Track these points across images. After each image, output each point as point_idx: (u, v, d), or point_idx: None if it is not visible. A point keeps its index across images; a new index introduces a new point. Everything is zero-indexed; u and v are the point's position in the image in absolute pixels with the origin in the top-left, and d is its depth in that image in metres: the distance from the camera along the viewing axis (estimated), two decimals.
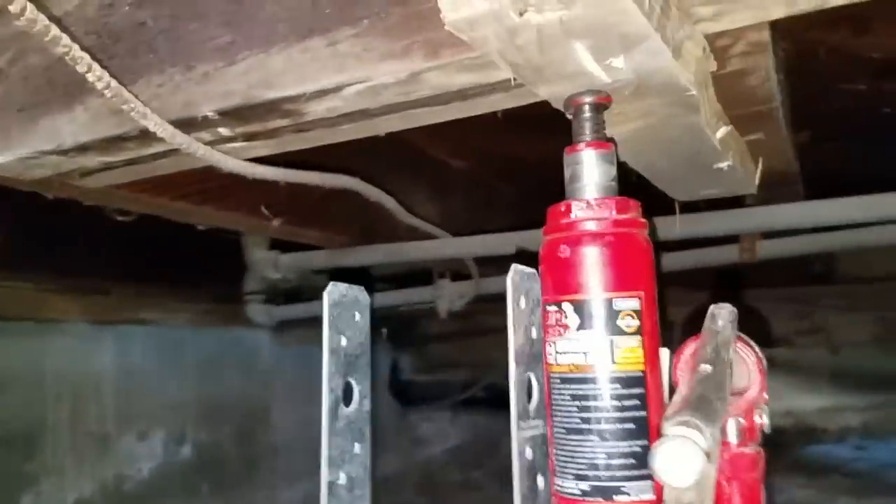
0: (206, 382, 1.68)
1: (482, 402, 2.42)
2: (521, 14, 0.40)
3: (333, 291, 0.55)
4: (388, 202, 1.04)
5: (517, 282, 0.52)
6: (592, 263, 0.50)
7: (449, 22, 0.42)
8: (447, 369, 2.60)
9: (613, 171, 0.53)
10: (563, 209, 0.52)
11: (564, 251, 0.51)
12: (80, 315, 1.41)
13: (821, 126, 1.29)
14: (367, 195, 0.98)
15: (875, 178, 1.56)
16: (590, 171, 0.53)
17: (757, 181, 0.84)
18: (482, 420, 2.47)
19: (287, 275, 1.46)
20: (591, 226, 0.51)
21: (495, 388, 2.31)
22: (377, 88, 0.56)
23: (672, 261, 1.33)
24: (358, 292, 0.57)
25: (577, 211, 0.51)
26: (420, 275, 1.67)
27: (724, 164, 0.71)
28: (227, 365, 1.75)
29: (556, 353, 0.50)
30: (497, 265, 1.50)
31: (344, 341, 0.55)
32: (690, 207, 1.00)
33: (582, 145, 0.53)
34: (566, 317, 0.50)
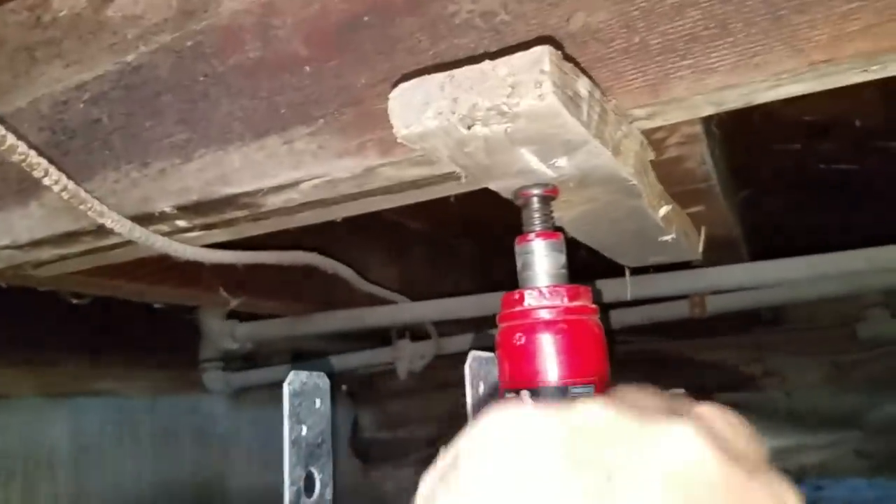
0: (163, 453, 1.65)
1: None
2: (468, 128, 0.43)
3: (294, 381, 0.56)
4: (346, 272, 1.05)
5: (475, 368, 0.53)
6: (547, 351, 0.52)
7: (401, 136, 0.44)
8: (409, 425, 2.58)
9: (563, 258, 0.55)
10: (516, 297, 0.54)
11: (519, 339, 0.53)
12: (32, 389, 1.38)
13: (760, 184, 1.35)
14: (325, 268, 0.99)
15: (813, 228, 1.63)
16: (540, 260, 0.55)
17: (701, 249, 0.87)
18: None
19: (244, 344, 1.45)
20: (544, 314, 0.53)
21: None
22: (334, 182, 0.58)
23: (624, 316, 1.36)
24: (318, 379, 0.58)
25: (530, 299, 0.53)
26: (379, 333, 1.68)
27: (668, 238, 0.74)
28: (183, 434, 1.72)
29: None
30: (458, 322, 1.51)
31: (305, 430, 0.56)
32: (640, 270, 1.04)
33: (532, 236, 0.55)
34: None
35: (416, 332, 1.58)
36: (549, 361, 0.51)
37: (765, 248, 1.52)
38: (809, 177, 1.44)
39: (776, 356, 2.33)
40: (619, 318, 1.38)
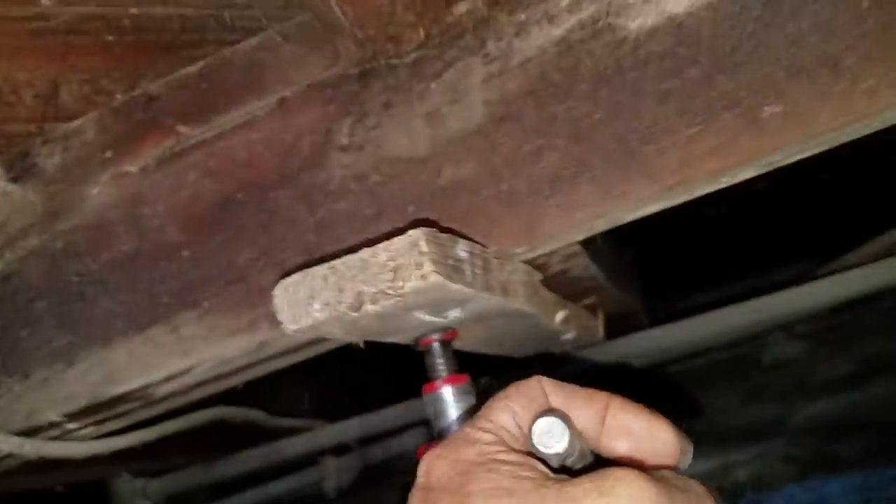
0: None
1: None
2: (358, 310, 0.43)
3: None
4: (256, 416, 1.02)
5: None
6: None
7: (291, 331, 0.44)
8: None
9: (473, 399, 0.56)
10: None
11: None
12: None
13: (643, 239, 1.42)
14: (233, 418, 0.96)
15: (698, 265, 1.72)
16: (451, 406, 0.55)
17: (601, 333, 0.90)
18: None
19: (158, 500, 1.37)
20: None
21: None
22: (228, 361, 0.57)
23: None
24: None
25: None
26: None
27: (569, 336, 0.77)
28: None
29: None
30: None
31: None
32: None
33: (439, 382, 0.55)
34: None
35: (339, 448, 1.53)
36: None
37: (662, 298, 1.59)
38: (685, 223, 1.52)
39: (692, 389, 2.40)
40: None
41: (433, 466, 0.39)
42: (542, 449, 0.40)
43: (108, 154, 0.59)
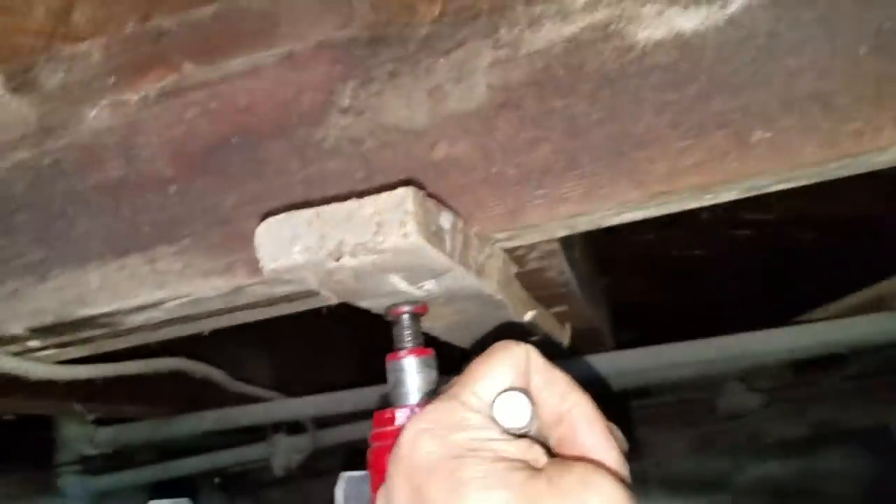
0: None
1: None
2: (337, 260, 0.44)
3: None
4: (216, 375, 1.02)
5: (349, 491, 0.53)
6: None
7: (268, 270, 0.44)
8: None
9: (434, 374, 0.57)
10: (387, 416, 0.54)
11: None
12: None
13: (618, 271, 1.44)
14: (193, 372, 0.95)
15: (669, 305, 1.75)
16: (412, 377, 0.55)
17: (566, 343, 0.91)
18: None
19: (105, 450, 1.37)
20: None
21: None
22: (200, 301, 0.57)
23: None
24: None
25: (402, 418, 0.53)
26: (253, 428, 1.62)
27: (534, 338, 0.78)
28: None
29: None
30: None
31: None
32: None
33: (404, 352, 0.56)
34: None
35: (293, 425, 1.53)
36: None
37: (629, 328, 1.61)
38: (662, 262, 1.55)
39: (645, 428, 2.43)
40: None
41: (420, 441, 0.40)
42: (500, 421, 0.41)
43: (111, 80, 0.59)
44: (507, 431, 0.41)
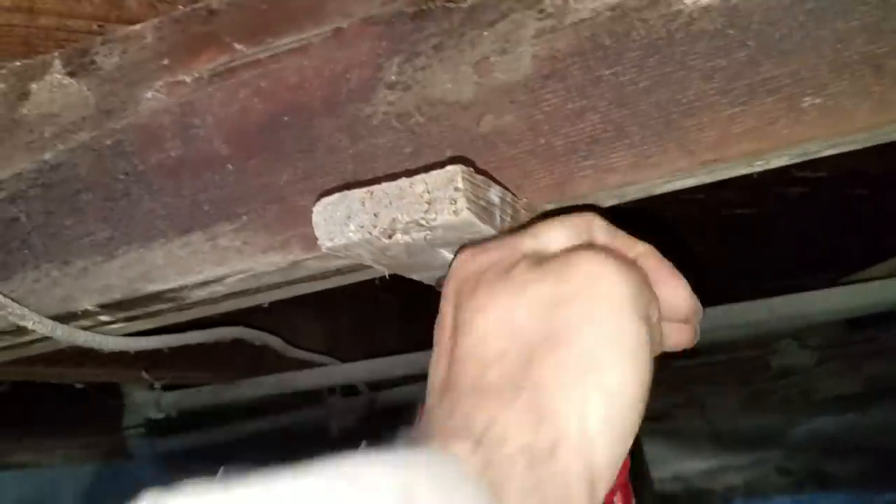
0: None
1: None
2: (389, 237, 0.45)
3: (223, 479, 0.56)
4: (273, 342, 1.06)
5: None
6: None
7: (325, 248, 0.46)
8: None
9: None
10: None
11: None
12: None
13: (668, 232, 1.43)
14: (252, 340, 0.99)
15: (721, 265, 1.73)
16: None
17: None
18: None
19: (170, 413, 1.43)
20: None
21: None
22: (259, 276, 0.59)
23: None
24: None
25: None
26: (310, 392, 1.67)
27: None
28: (107, 501, 1.66)
29: None
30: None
31: None
32: None
33: None
34: None
35: (348, 388, 1.58)
36: None
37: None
38: (713, 222, 1.53)
39: (696, 386, 2.42)
40: None
41: (465, 262, 0.44)
42: None
43: (165, 61, 0.61)
44: None
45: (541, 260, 0.42)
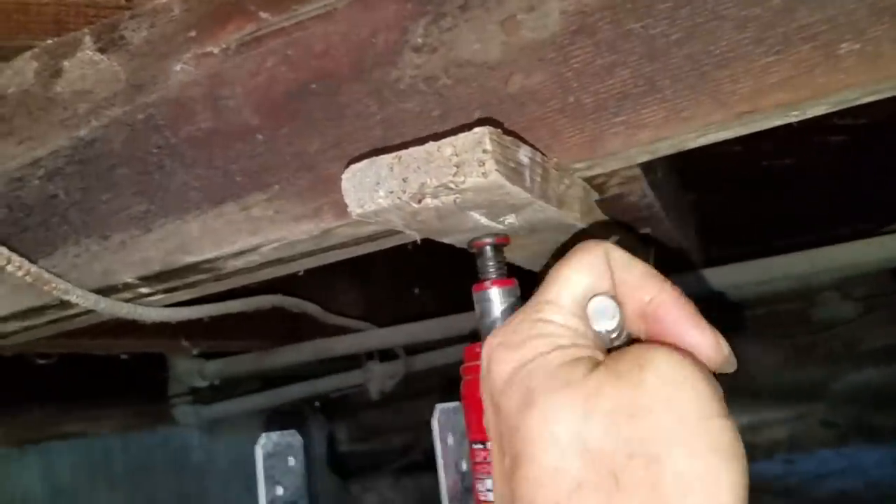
0: (138, 488, 1.65)
1: (423, 465, 2.42)
2: (419, 202, 0.45)
3: (266, 444, 0.57)
4: (312, 309, 1.07)
5: (443, 422, 0.55)
6: None
7: (356, 214, 0.46)
8: (385, 435, 2.59)
9: (519, 303, 0.58)
10: (477, 350, 0.55)
11: None
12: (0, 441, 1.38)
13: (706, 186, 1.40)
14: (290, 307, 1.00)
15: (761, 217, 1.69)
16: (498, 307, 0.57)
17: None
18: (426, 482, 2.47)
19: (213, 381, 1.46)
20: None
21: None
22: (292, 244, 0.60)
23: None
24: (290, 437, 0.60)
25: None
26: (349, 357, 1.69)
27: None
28: (157, 468, 1.72)
29: (486, 489, 0.54)
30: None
31: (280, 490, 0.58)
32: None
33: (488, 283, 0.57)
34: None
35: (386, 352, 1.60)
36: None
37: (718, 244, 1.57)
38: (752, 173, 1.50)
39: (737, 340, 2.40)
40: None
41: (495, 356, 0.41)
42: (592, 325, 0.41)
43: (192, 33, 0.61)
44: (598, 336, 0.41)
45: (603, 362, 0.38)
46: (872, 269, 1.24)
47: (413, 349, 1.56)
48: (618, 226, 0.74)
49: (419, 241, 0.59)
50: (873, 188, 1.50)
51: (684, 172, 1.19)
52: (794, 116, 0.51)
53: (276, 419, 1.60)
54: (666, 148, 0.52)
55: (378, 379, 1.51)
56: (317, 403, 2.28)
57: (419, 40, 0.55)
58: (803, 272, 1.07)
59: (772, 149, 1.39)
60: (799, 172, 1.51)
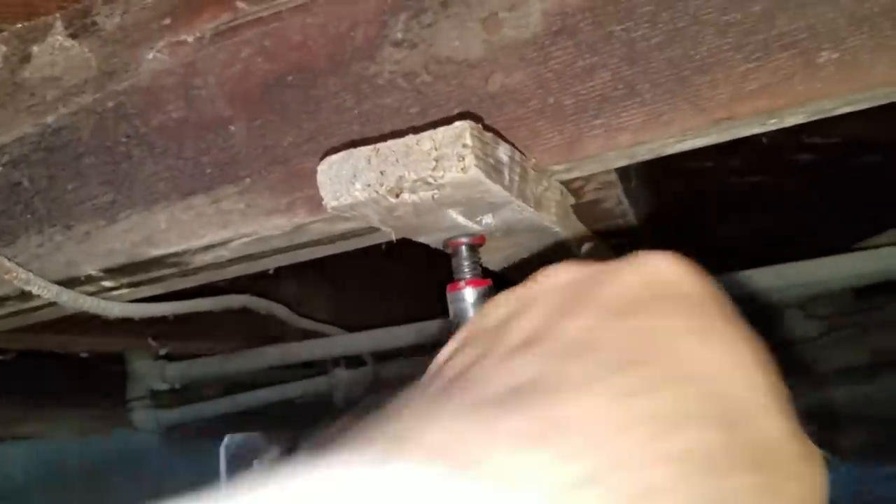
0: (93, 492, 1.61)
1: None
2: (396, 196, 0.44)
3: (230, 445, 0.56)
4: (280, 311, 1.05)
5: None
6: None
7: (331, 207, 0.45)
8: None
9: None
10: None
11: None
12: None
13: (678, 201, 1.41)
14: (258, 309, 0.99)
15: (729, 233, 1.72)
16: (472, 307, 0.56)
17: None
18: None
19: (174, 384, 1.43)
20: None
21: None
22: (264, 239, 0.59)
23: None
24: (256, 440, 0.58)
25: None
26: (316, 362, 1.67)
27: None
28: (114, 472, 1.68)
29: None
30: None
31: None
32: None
33: (462, 283, 0.57)
34: None
35: (354, 358, 1.58)
36: None
37: (690, 255, 1.58)
38: (721, 190, 1.51)
39: None
40: None
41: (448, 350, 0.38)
42: None
43: (167, 21, 0.60)
44: None
45: None
46: (836, 287, 1.26)
47: (381, 356, 1.54)
48: (592, 234, 0.74)
49: (394, 241, 0.58)
50: (843, 207, 1.53)
51: (657, 188, 1.20)
52: (772, 124, 0.51)
53: (240, 423, 1.57)
54: (644, 152, 0.52)
55: (344, 386, 1.49)
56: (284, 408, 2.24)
57: (399, 35, 0.55)
58: (771, 287, 1.08)
59: (742, 165, 1.41)
60: (769, 189, 1.54)
